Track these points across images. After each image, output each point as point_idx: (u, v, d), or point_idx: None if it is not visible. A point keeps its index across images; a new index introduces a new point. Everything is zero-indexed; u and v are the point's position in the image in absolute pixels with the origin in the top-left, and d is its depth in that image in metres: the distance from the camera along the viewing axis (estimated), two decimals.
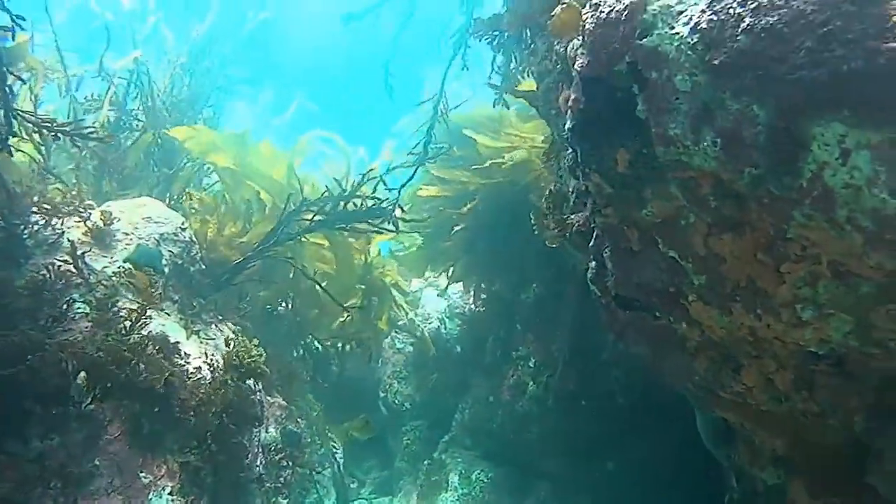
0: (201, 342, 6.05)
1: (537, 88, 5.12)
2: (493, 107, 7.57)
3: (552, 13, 3.79)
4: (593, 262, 3.93)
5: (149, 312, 5.43)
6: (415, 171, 7.75)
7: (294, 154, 8.84)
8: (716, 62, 2.57)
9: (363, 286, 8.95)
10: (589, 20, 3.07)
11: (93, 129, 5.42)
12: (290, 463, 6.62)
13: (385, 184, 7.48)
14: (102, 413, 4.78)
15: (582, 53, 3.15)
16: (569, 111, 3.39)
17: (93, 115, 7.96)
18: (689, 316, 3.43)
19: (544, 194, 5.11)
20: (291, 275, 8.19)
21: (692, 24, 2.64)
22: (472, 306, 9.96)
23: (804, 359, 3.07)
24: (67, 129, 5.06)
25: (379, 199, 7.54)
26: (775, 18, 2.37)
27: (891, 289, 2.53)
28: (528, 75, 6.09)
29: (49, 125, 5.02)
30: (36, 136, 5.60)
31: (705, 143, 2.75)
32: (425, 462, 9.07)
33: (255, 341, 6.24)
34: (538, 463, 8.17)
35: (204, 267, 7.03)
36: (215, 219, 7.68)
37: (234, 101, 12.48)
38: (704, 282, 3.20)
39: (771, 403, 3.40)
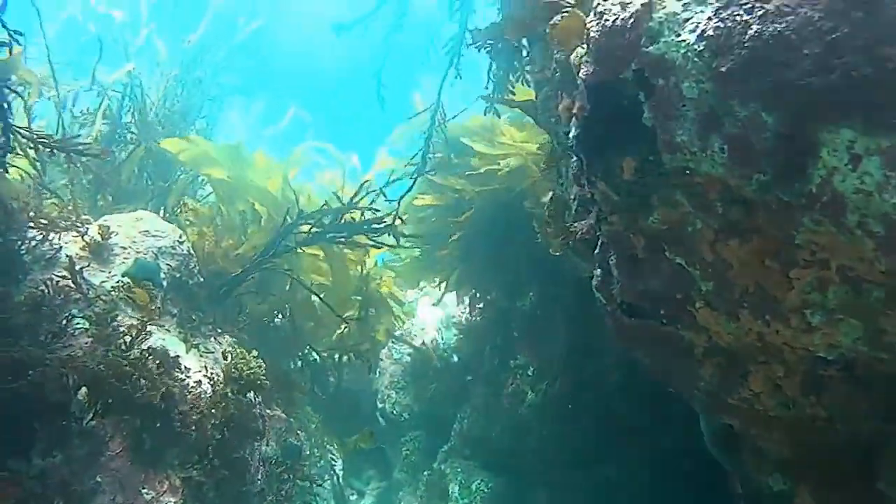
0: (201, 355, 6.02)
1: (536, 97, 5.12)
2: (485, 114, 7.59)
3: (552, 22, 3.80)
4: (598, 270, 3.92)
5: (148, 327, 5.40)
6: (413, 182, 7.74)
7: (289, 165, 8.81)
8: (723, 69, 2.57)
9: (360, 297, 8.93)
10: (594, 28, 3.07)
11: (89, 145, 5.40)
12: (291, 476, 6.58)
13: (385, 196, 7.47)
14: (104, 429, 4.76)
15: (587, 61, 3.15)
16: (573, 119, 3.40)
17: (87, 129, 7.91)
18: (696, 322, 3.42)
19: (543, 202, 5.11)
20: (288, 286, 8.16)
21: (699, 31, 2.65)
22: (469, 315, 9.94)
23: (813, 364, 3.07)
24: (63, 144, 5.04)
25: (377, 210, 7.52)
26: (783, 25, 2.38)
27: None
28: (524, 84, 6.10)
29: (45, 141, 5.00)
30: (31, 151, 5.56)
31: (713, 150, 2.75)
32: (425, 473, 9.04)
33: (254, 353, 6.22)
34: (538, 471, 8.13)
35: (202, 280, 7.00)
36: (212, 231, 7.64)
37: (226, 112, 12.44)
38: (712, 288, 3.20)
39: (778, 409, 3.39)
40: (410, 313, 10.62)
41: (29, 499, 4.28)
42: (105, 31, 9.92)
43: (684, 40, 2.71)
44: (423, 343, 10.32)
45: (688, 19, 2.71)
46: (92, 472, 4.60)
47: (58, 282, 5.26)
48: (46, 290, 5.12)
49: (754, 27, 2.45)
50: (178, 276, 6.53)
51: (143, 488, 4.80)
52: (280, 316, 8.59)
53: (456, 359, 10.05)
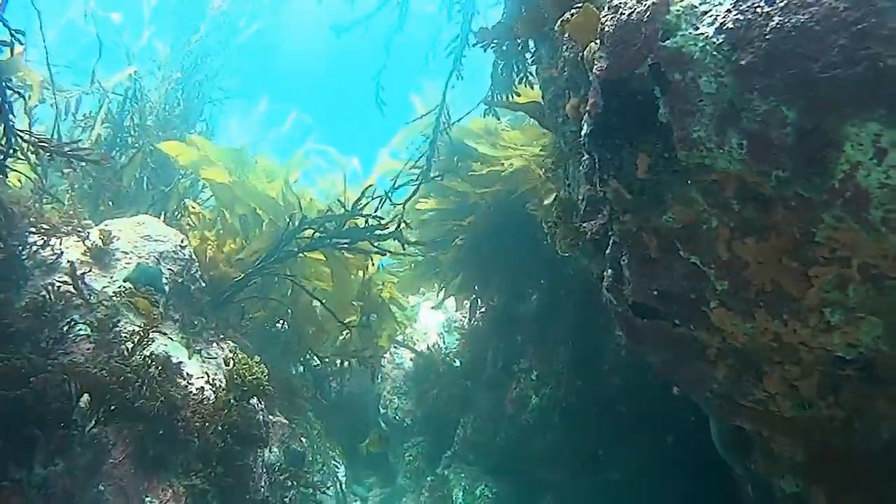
0: (203, 361, 5.95)
1: (542, 97, 5.07)
2: (484, 117, 7.54)
3: (562, 18, 3.74)
4: (609, 271, 3.86)
5: (151, 333, 5.34)
6: (418, 187, 7.69)
7: (289, 168, 8.76)
8: (743, 62, 2.52)
9: (361, 302, 8.87)
10: (609, 23, 3.02)
11: (89, 150, 5.34)
12: (295, 483, 6.52)
13: (391, 201, 7.41)
14: (106, 436, 4.68)
15: (601, 57, 3.09)
16: (585, 116, 3.34)
17: (87, 133, 7.86)
18: (710, 323, 3.37)
19: (550, 203, 5.06)
20: (290, 292, 8.11)
21: (718, 24, 2.60)
22: (472, 319, 9.88)
23: (830, 364, 3.02)
24: (65, 149, 4.98)
25: (380, 218, 7.47)
26: (806, 16, 2.33)
27: None
28: (527, 85, 6.05)
29: (46, 145, 4.93)
30: (32, 155, 5.50)
31: (730, 146, 2.70)
32: (428, 478, 8.99)
33: (257, 358, 6.15)
34: (542, 475, 8.08)
35: (203, 285, 6.93)
36: (214, 235, 7.59)
37: (227, 114, 12.41)
38: (727, 287, 3.15)
39: (794, 410, 3.34)
40: (412, 318, 10.57)
41: None
42: (105, 34, 9.87)
43: (703, 33, 2.66)
44: (425, 348, 10.26)
45: (706, 12, 2.66)
46: (94, 480, 4.52)
47: (59, 287, 5.19)
48: (48, 296, 5.05)
49: (776, 18, 2.40)
50: (179, 280, 6.46)
51: (147, 496, 4.72)
52: (281, 321, 8.53)
53: (458, 363, 10.00)
